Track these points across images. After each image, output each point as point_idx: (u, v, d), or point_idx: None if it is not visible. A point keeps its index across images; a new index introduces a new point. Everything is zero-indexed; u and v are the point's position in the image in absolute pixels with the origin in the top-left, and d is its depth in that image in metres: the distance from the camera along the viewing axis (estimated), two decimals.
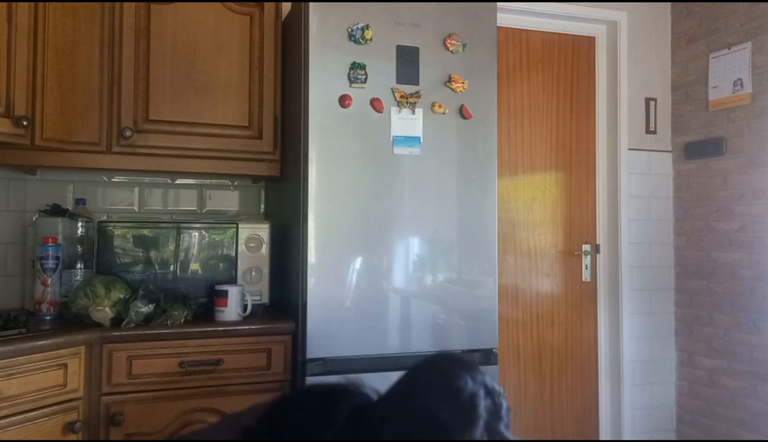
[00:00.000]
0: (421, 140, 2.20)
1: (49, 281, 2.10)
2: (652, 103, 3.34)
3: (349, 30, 2.14)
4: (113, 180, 2.56)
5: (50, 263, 2.10)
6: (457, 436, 1.01)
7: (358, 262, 2.14)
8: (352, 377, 1.29)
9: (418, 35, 2.22)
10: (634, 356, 3.24)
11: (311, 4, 2.10)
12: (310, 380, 2.04)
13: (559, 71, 3.29)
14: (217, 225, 2.35)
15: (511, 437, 1.08)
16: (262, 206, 2.76)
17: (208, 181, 2.67)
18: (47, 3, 2.03)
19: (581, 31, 3.32)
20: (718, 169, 3.11)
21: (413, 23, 2.21)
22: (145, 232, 2.28)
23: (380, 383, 1.19)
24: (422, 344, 2.18)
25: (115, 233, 2.25)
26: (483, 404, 1.06)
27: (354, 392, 1.19)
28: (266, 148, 2.39)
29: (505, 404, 1.09)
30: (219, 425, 1.32)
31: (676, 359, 3.31)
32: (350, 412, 1.13)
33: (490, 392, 1.08)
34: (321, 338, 2.07)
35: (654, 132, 3.34)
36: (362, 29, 2.14)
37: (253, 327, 2.10)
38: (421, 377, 1.15)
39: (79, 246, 2.25)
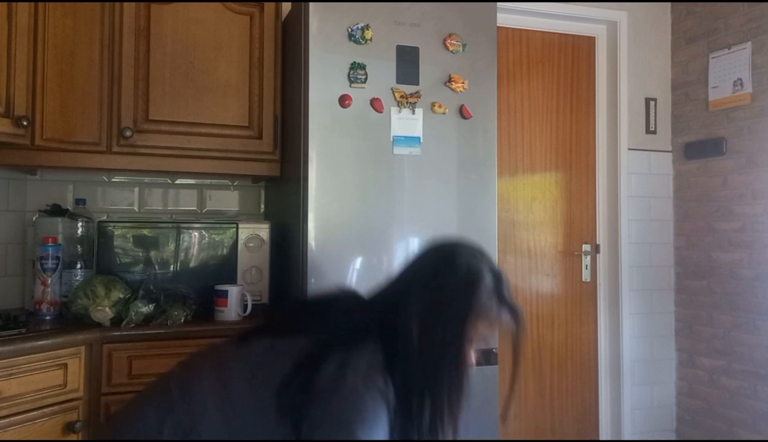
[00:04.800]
0: (421, 140, 2.20)
1: (49, 281, 2.10)
2: (652, 103, 3.34)
3: (349, 30, 2.14)
4: (113, 180, 2.56)
5: (50, 263, 2.10)
6: (465, 297, 1.21)
7: (358, 262, 2.14)
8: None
9: (418, 35, 2.22)
10: (634, 356, 3.24)
11: (311, 4, 2.10)
12: None
13: (559, 71, 3.29)
14: (217, 225, 2.35)
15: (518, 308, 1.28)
16: (262, 206, 2.76)
17: (208, 181, 2.67)
18: (47, 3, 2.03)
19: (581, 31, 3.32)
20: (718, 169, 3.11)
21: (413, 23, 2.21)
22: (145, 232, 2.28)
23: None
24: None
25: (115, 233, 2.25)
26: (487, 272, 1.26)
27: (350, 290, 1.41)
28: (266, 148, 2.39)
29: (504, 277, 1.29)
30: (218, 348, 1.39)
31: (676, 359, 3.31)
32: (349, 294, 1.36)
33: (492, 269, 1.28)
34: None
35: (654, 132, 3.34)
36: (362, 29, 2.14)
37: None
38: (427, 255, 1.33)
39: (79, 246, 2.25)
